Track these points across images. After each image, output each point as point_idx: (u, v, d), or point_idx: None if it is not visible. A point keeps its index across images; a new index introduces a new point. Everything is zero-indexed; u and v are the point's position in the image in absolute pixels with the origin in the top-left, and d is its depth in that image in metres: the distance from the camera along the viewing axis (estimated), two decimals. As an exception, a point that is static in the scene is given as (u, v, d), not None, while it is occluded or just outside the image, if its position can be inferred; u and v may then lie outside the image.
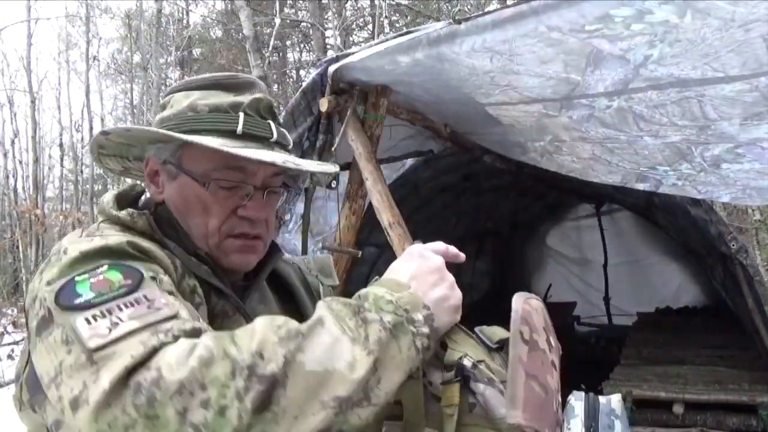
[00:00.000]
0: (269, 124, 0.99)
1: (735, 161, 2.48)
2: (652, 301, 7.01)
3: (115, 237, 0.85)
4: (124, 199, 1.01)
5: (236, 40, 14.08)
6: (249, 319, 0.89)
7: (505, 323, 0.83)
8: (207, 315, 0.90)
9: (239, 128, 0.95)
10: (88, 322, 0.70)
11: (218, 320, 0.92)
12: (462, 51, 2.27)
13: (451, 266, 0.90)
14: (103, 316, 0.71)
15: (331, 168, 1.07)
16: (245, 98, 0.98)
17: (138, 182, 1.09)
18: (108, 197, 0.99)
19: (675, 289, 7.20)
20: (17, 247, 13.17)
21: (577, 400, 0.77)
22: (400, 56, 2.48)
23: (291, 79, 15.36)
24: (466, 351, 0.83)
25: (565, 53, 2.10)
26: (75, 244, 0.83)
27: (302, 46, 15.82)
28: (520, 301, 0.79)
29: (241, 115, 0.96)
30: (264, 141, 0.97)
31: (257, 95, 0.99)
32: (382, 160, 3.23)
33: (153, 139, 0.99)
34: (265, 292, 1.07)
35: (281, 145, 1.01)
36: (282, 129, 1.01)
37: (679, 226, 4.89)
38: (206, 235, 0.97)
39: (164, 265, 0.85)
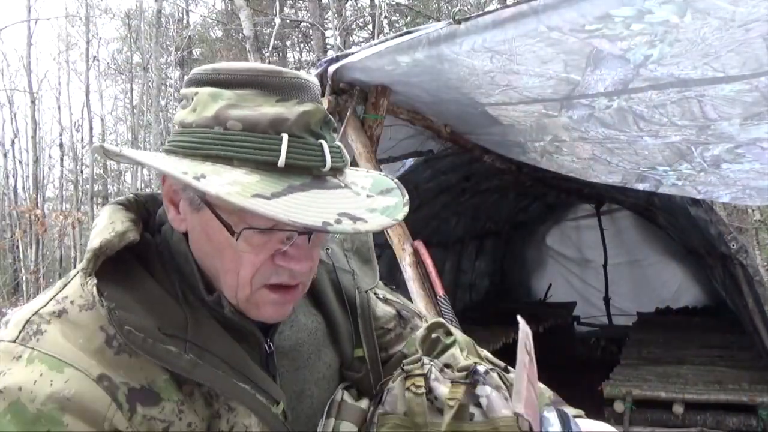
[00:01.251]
0: (321, 146, 0.76)
1: (735, 161, 2.48)
2: (652, 301, 7.01)
3: (26, 377, 0.68)
4: (111, 245, 0.76)
5: (236, 40, 14.09)
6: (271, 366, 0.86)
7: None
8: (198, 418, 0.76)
9: (281, 160, 0.73)
10: None
11: (221, 402, 0.79)
12: (462, 51, 2.27)
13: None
14: None
15: (400, 215, 0.80)
16: (291, 110, 0.75)
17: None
18: (95, 238, 0.76)
19: (675, 289, 7.19)
20: (17, 247, 13.19)
21: (550, 412, 0.86)
22: (400, 56, 2.48)
23: (291, 79, 15.32)
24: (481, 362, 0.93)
25: (565, 53, 2.11)
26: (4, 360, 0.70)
27: (302, 46, 15.82)
28: (523, 321, 0.93)
29: (285, 138, 0.74)
30: (313, 172, 0.76)
31: (307, 106, 0.76)
32: (382, 160, 3.23)
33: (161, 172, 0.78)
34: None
35: (336, 170, 0.79)
36: (336, 144, 0.80)
37: (679, 226, 4.89)
38: (236, 286, 0.80)
39: (91, 419, 0.69)
